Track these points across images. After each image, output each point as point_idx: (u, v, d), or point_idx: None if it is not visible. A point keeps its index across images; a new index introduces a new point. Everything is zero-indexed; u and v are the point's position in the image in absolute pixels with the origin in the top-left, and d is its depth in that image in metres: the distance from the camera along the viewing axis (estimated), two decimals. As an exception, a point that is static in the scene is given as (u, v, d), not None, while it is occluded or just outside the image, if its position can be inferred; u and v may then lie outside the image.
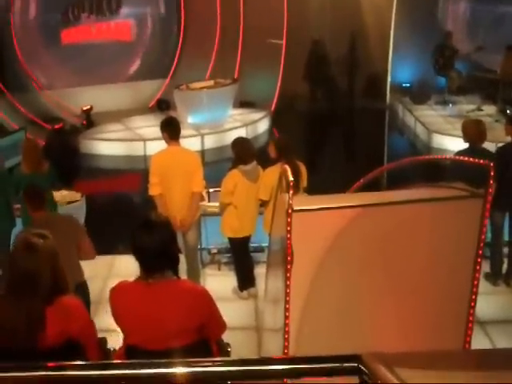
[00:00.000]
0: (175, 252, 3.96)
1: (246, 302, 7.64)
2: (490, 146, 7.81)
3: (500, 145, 8.05)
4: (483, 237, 4.29)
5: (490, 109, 15.90)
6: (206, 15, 17.78)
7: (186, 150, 7.63)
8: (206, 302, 3.97)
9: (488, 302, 7.13)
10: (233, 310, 7.32)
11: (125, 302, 3.84)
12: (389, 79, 18.47)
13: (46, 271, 3.67)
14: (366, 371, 2.16)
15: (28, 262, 3.64)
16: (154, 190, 7.30)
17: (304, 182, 7.43)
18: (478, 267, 4.34)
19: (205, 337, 4.06)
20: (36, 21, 16.89)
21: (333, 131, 17.26)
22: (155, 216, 4.12)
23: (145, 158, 13.57)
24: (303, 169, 7.44)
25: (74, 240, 6.14)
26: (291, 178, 4.04)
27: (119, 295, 3.88)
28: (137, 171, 13.36)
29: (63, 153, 13.62)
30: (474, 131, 7.53)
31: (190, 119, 15.26)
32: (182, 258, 6.70)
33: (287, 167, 4.24)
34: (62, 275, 3.84)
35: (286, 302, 4.11)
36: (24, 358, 3.59)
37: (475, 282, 4.36)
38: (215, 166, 13.02)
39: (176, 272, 3.92)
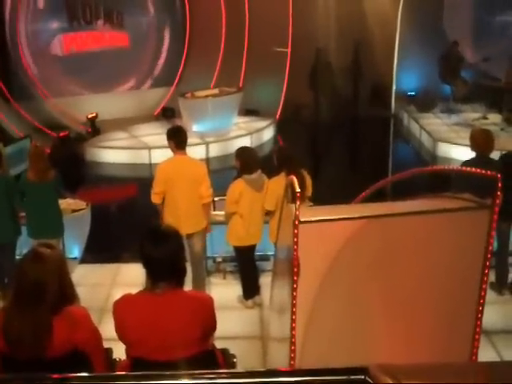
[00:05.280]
0: (184, 263, 3.96)
1: (251, 311, 7.62)
2: (494, 154, 7.77)
3: (504, 152, 8.00)
4: (490, 248, 4.28)
5: (495, 117, 15.89)
6: (211, 24, 17.82)
7: (193, 160, 7.63)
8: (210, 311, 3.96)
9: (493, 311, 7.10)
10: (238, 318, 7.32)
11: (131, 314, 3.83)
12: (394, 88, 18.48)
13: (52, 281, 3.66)
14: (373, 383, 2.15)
15: (35, 272, 3.64)
16: (156, 199, 7.32)
17: (308, 191, 7.44)
18: (485, 278, 4.33)
19: (209, 347, 4.07)
20: (41, 29, 16.95)
21: (338, 140, 17.26)
22: (166, 227, 4.12)
23: (150, 166, 13.58)
24: (307, 178, 7.45)
25: None
26: (298, 190, 4.03)
27: (125, 308, 3.87)
28: (142, 179, 13.36)
29: (68, 161, 13.64)
30: (482, 141, 7.48)
31: (195, 127, 15.29)
32: (188, 266, 6.71)
33: (294, 178, 4.23)
34: (69, 285, 3.84)
35: (293, 312, 4.10)
36: (30, 367, 3.60)
37: (482, 293, 4.34)
38: (220, 174, 13.03)
39: (182, 283, 3.92)
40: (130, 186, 13.86)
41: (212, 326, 4.01)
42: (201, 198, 7.34)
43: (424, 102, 17.49)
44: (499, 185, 4.15)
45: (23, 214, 7.87)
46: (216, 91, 16.06)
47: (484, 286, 4.37)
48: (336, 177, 13.50)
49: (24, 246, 7.50)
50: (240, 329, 7.10)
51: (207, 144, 15.00)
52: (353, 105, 18.64)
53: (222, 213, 7.88)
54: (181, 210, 7.25)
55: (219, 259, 8.69)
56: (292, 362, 4.20)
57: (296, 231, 3.99)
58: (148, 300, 3.82)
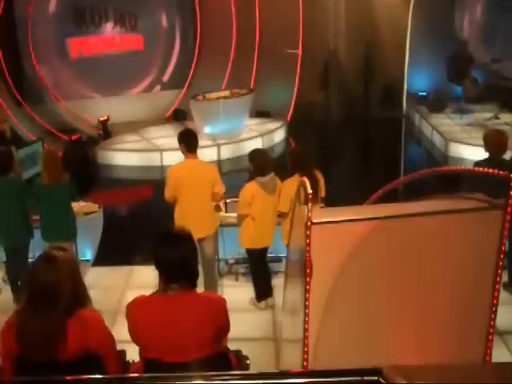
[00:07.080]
0: (196, 266, 3.98)
1: (264, 313, 7.62)
2: (507, 154, 7.72)
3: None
4: (503, 248, 4.26)
5: (506, 117, 15.81)
6: (221, 25, 17.84)
7: (204, 163, 7.63)
8: (223, 312, 3.97)
9: (506, 311, 7.05)
10: (250, 320, 7.33)
11: (145, 316, 3.84)
12: (405, 88, 18.42)
13: (66, 284, 3.68)
14: (387, 385, 2.15)
15: (48, 275, 3.66)
16: (169, 201, 7.42)
17: (322, 192, 7.44)
18: (498, 279, 4.31)
19: (223, 348, 4.07)
20: (53, 32, 17.02)
21: (349, 141, 17.23)
22: (179, 229, 4.14)
23: (161, 169, 13.62)
24: (321, 178, 7.45)
25: None
26: (310, 191, 4.03)
27: (138, 309, 3.89)
28: (154, 181, 13.39)
29: (80, 164, 13.68)
30: (495, 141, 7.46)
31: (207, 129, 15.30)
32: (200, 268, 6.74)
33: (306, 179, 4.23)
34: (82, 287, 3.86)
35: (306, 314, 4.10)
36: (45, 370, 3.61)
37: (495, 294, 4.33)
38: (232, 175, 13.04)
39: (195, 285, 3.93)
40: (141, 188, 13.87)
41: (225, 327, 4.01)
42: (216, 198, 7.45)
43: (435, 102, 17.44)
44: (512, 185, 4.13)
45: (37, 216, 7.89)
46: (227, 93, 16.05)
47: (497, 287, 4.35)
48: (348, 178, 13.49)
49: (37, 248, 7.53)
50: (253, 330, 7.10)
51: (219, 146, 15.01)
52: (364, 106, 18.59)
53: (234, 215, 7.89)
54: (191, 214, 7.25)
55: (231, 261, 8.71)
56: (305, 364, 4.20)
57: (308, 232, 3.99)
58: (161, 302, 3.84)
